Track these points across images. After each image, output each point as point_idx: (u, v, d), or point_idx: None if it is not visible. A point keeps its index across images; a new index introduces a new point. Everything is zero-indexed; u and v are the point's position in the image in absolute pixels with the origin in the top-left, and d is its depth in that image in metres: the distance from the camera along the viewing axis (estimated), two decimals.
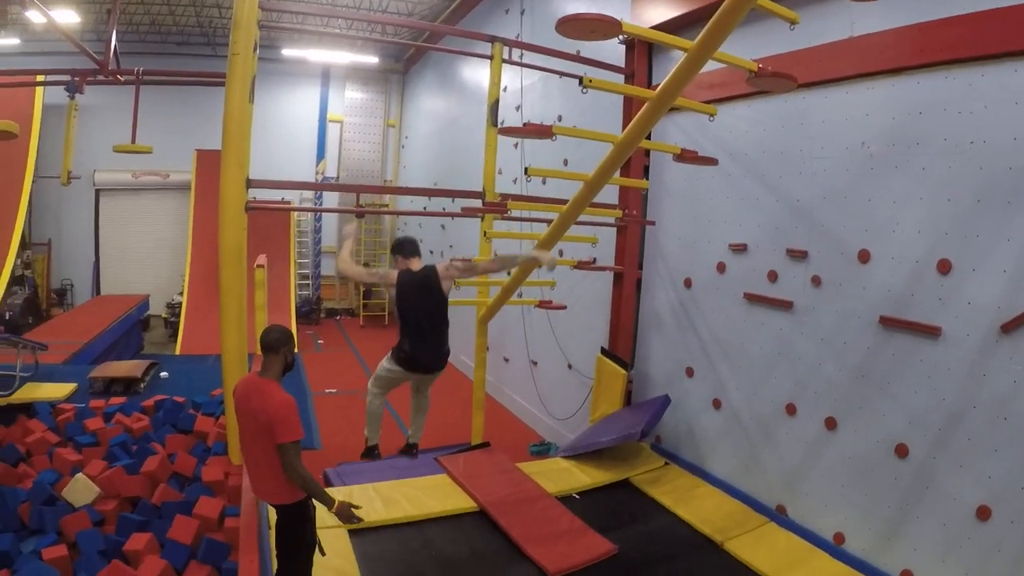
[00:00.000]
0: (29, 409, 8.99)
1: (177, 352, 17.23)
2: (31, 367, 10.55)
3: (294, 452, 4.95)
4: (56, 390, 9.88)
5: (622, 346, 10.05)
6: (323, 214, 23.40)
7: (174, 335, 18.78)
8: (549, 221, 8.16)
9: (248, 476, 5.37)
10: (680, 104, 6.01)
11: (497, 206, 8.16)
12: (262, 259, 9.41)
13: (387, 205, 22.64)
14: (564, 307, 9.82)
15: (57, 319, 17.46)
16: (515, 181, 12.51)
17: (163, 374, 11.05)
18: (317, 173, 23.12)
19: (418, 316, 6.70)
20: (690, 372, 9.11)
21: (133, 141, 12.05)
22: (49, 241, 21.84)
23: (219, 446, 8.03)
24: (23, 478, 7.44)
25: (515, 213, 9.09)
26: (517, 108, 13.31)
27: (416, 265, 6.82)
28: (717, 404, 8.66)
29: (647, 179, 9.60)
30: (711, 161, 7.22)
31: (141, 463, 7.38)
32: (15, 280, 18.76)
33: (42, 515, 6.57)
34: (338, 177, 23.23)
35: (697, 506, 8.06)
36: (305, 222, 23.24)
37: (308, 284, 23.03)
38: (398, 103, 24.02)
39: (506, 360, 13.96)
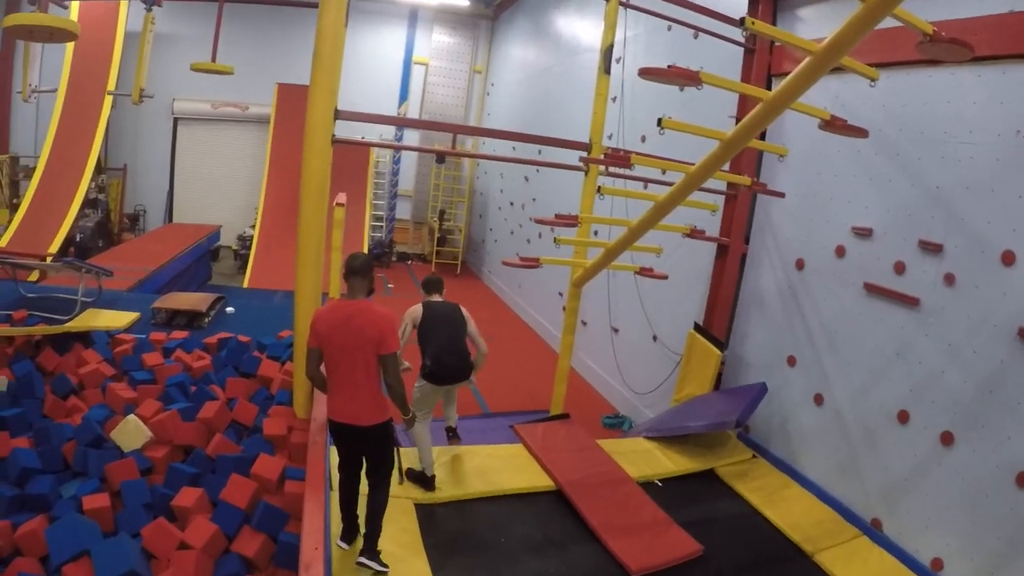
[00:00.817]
0: (86, 338, 8.49)
1: (245, 285, 17.18)
2: (94, 292, 10.10)
3: (396, 361, 5.49)
4: (117, 318, 9.41)
5: (718, 324, 9.30)
6: (401, 156, 22.95)
7: (243, 268, 18.73)
8: (660, 183, 7.50)
9: (340, 400, 5.46)
10: (844, 64, 5.21)
11: (618, 158, 6.99)
12: (342, 197, 8.84)
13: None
14: (666, 276, 8.96)
15: (127, 244, 17.24)
16: (610, 136, 11.76)
17: (229, 309, 10.47)
18: (399, 115, 22.58)
19: (442, 335, 6.98)
20: (792, 361, 8.31)
21: (213, 60, 11.50)
22: (125, 166, 21.78)
23: (283, 395, 7.34)
24: (72, 412, 6.94)
25: (622, 171, 8.31)
26: (618, 60, 12.58)
27: (438, 298, 7.32)
28: (819, 399, 7.88)
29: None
30: (861, 132, 6.35)
31: (198, 408, 6.74)
32: (88, 203, 18.84)
33: (87, 457, 6.02)
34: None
35: (787, 509, 7.38)
36: (383, 163, 22.82)
37: (381, 226, 22.64)
38: (486, 49, 23.36)
39: (584, 324, 13.19)
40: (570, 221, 7.61)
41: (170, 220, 22.23)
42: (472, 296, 19.09)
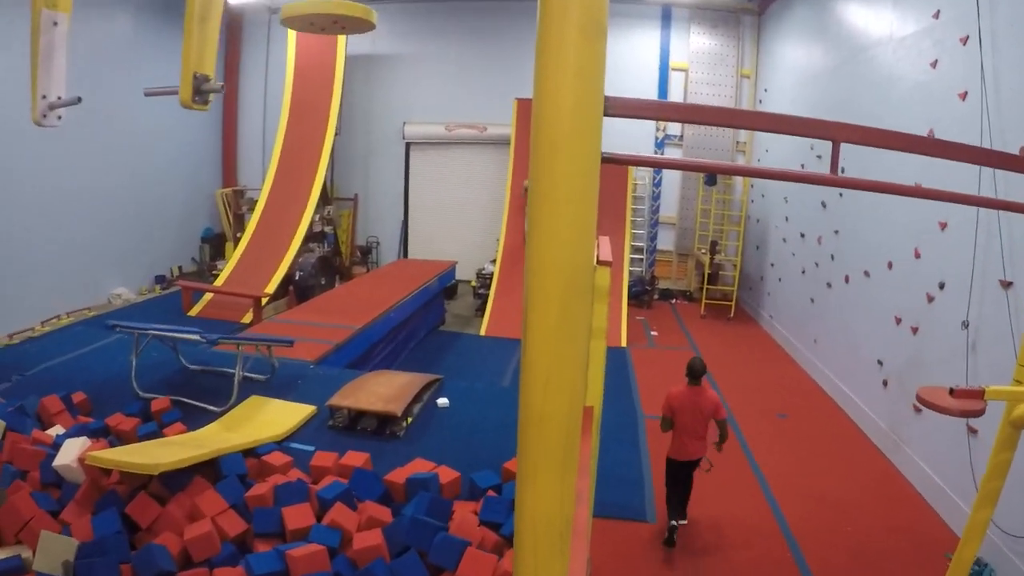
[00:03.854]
0: (213, 466, 5.48)
1: (482, 332, 14.27)
2: (267, 367, 7.39)
3: (727, 421, 7.48)
4: (281, 417, 6.36)
5: None
6: (663, 179, 19.40)
7: (482, 309, 15.74)
8: None
9: (685, 446, 7.40)
10: None
11: None
12: (604, 246, 5.46)
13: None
14: None
15: (344, 287, 14.44)
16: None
17: (441, 402, 7.05)
18: (658, 130, 19.00)
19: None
20: None
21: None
22: (356, 196, 19.71)
23: None
24: None
25: None
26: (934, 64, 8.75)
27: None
28: None
29: None
30: None
31: None
32: (314, 236, 16.64)
33: None
34: (682, 135, 18.96)
35: None
36: (641, 186, 19.15)
37: (641, 259, 19.06)
38: (752, 49, 19.16)
39: (917, 410, 9.05)
40: None
41: (405, 252, 19.96)
42: (748, 350, 14.86)
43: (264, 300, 13.55)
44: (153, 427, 6.18)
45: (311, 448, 5.95)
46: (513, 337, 13.17)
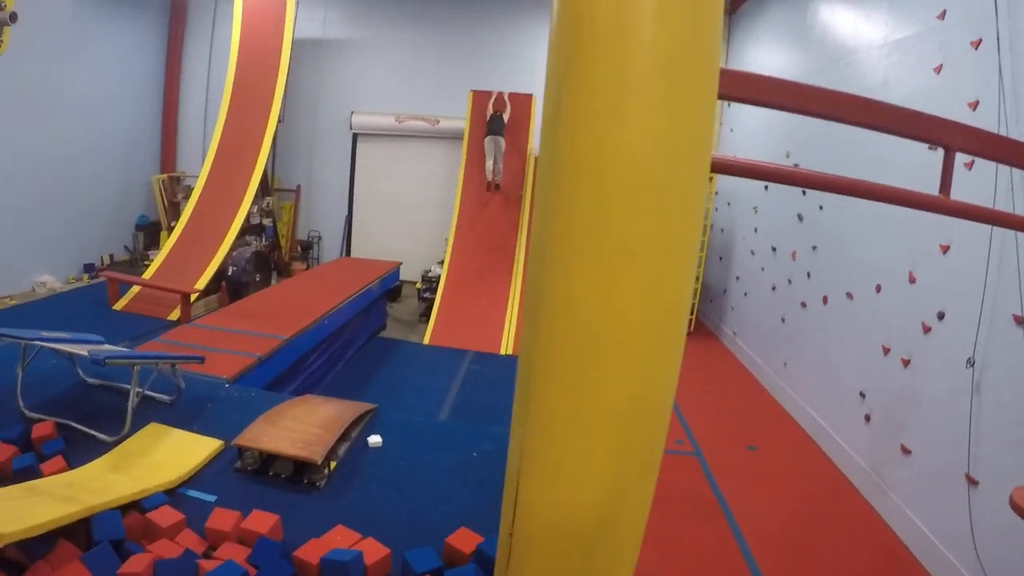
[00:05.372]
0: (84, 528, 4.19)
1: (426, 340, 12.97)
2: (173, 388, 6.22)
3: None
4: (182, 454, 5.17)
5: None
6: None
7: (427, 313, 14.51)
8: None
9: None
10: None
11: None
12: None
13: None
14: None
15: (276, 288, 13.02)
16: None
17: (373, 440, 5.81)
18: None
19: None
20: None
21: None
22: (298, 187, 18.49)
23: None
24: None
25: None
26: (938, 69, 7.78)
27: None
28: None
29: None
30: None
31: None
32: (252, 229, 15.47)
33: None
34: None
35: None
36: None
37: None
38: (723, 48, 18.18)
39: (906, 451, 8.06)
40: None
41: (348, 249, 18.76)
42: (711, 369, 13.64)
43: (193, 296, 12.35)
44: (31, 460, 4.92)
45: (211, 499, 4.78)
46: (458, 348, 12.40)
